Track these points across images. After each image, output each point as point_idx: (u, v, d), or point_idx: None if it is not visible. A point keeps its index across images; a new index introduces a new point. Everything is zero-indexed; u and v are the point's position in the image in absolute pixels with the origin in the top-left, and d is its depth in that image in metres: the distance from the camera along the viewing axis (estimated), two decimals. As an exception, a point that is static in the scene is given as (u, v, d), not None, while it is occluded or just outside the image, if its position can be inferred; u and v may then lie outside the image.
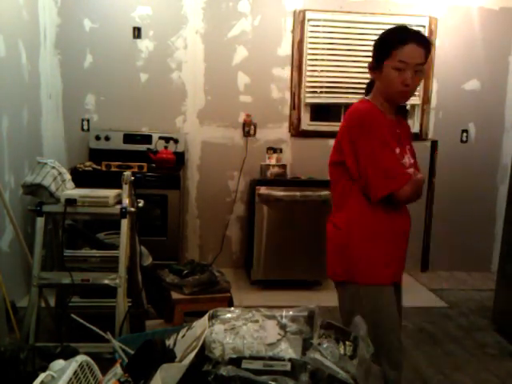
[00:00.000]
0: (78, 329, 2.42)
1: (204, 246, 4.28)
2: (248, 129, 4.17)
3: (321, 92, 4.21)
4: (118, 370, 1.81)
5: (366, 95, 1.82)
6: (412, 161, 1.79)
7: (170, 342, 1.97)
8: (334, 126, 4.29)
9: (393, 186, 1.65)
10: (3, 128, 3.03)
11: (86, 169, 3.65)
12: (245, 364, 1.66)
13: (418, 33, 1.70)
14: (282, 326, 1.80)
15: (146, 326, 2.75)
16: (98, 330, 2.28)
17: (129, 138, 3.96)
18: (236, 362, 1.67)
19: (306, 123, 4.27)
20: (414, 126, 4.31)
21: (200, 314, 2.06)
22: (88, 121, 4.04)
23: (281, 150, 4.16)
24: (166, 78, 4.06)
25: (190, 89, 4.10)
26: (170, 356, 1.83)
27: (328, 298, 3.66)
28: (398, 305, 1.84)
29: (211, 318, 1.91)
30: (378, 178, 1.66)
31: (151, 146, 3.93)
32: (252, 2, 4.04)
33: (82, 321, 2.34)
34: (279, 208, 3.74)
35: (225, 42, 4.07)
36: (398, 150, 1.71)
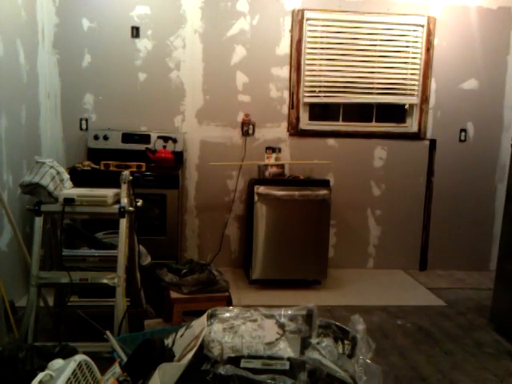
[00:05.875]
0: (77, 328, 2.42)
1: (203, 245, 4.29)
2: (247, 128, 4.17)
3: (319, 91, 4.20)
4: (116, 369, 1.81)
5: None
6: None
7: (168, 342, 1.97)
8: (333, 126, 4.30)
9: None
10: (1, 127, 3.03)
11: (85, 168, 3.64)
12: (243, 363, 1.67)
13: None
14: (281, 325, 1.81)
15: (145, 326, 2.75)
16: (98, 326, 2.28)
17: (127, 137, 3.96)
18: (235, 361, 1.68)
19: (305, 122, 4.27)
20: (413, 125, 4.31)
21: (199, 314, 2.07)
22: (86, 120, 4.04)
23: (279, 150, 4.15)
24: (164, 77, 4.06)
25: (189, 88, 4.10)
26: (168, 355, 1.84)
27: (327, 297, 3.68)
28: None
29: (210, 317, 1.92)
30: None
31: (150, 146, 3.92)
32: (251, 2, 4.04)
33: (85, 316, 2.34)
34: (278, 207, 3.74)
35: (223, 41, 4.07)
36: None
